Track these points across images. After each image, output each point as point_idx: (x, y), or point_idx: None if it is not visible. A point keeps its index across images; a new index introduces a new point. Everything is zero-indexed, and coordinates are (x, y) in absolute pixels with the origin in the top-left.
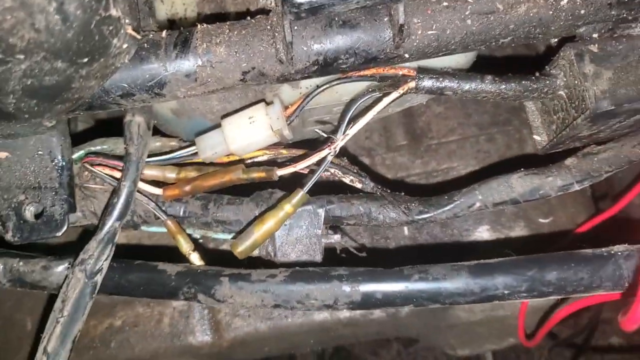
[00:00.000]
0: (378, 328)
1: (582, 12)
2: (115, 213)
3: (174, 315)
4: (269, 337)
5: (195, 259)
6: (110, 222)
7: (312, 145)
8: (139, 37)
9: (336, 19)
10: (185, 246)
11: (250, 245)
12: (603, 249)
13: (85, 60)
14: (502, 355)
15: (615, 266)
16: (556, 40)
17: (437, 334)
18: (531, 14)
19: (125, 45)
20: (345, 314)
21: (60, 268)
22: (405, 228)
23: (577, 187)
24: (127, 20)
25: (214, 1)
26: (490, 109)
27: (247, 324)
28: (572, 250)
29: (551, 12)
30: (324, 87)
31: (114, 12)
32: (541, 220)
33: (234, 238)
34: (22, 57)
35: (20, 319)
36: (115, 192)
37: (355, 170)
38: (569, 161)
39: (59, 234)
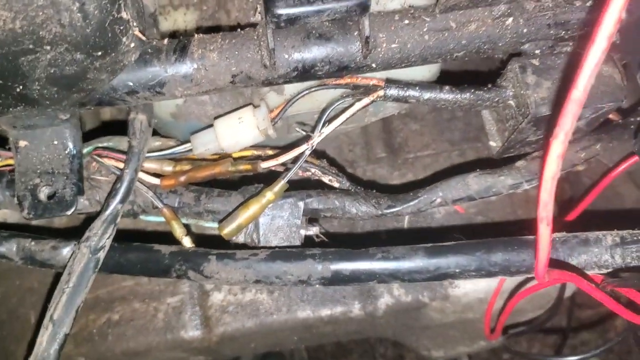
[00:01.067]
0: (357, 327)
1: (525, 30)
2: (118, 196)
3: (168, 310)
4: (255, 333)
5: (187, 242)
6: (113, 204)
7: (294, 145)
8: (144, 38)
9: (313, 31)
10: (178, 231)
11: (236, 227)
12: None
13: (99, 53)
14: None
15: (552, 250)
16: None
17: (412, 334)
18: (480, 32)
19: (132, 45)
20: (326, 311)
21: (67, 249)
22: (384, 232)
23: (526, 186)
24: (135, 24)
25: (211, 18)
26: (462, 126)
27: (235, 319)
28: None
29: (498, 31)
30: (304, 92)
31: (124, 14)
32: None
33: (220, 222)
34: (48, 47)
35: (24, 313)
36: (119, 179)
37: (333, 171)
38: (519, 163)
39: (69, 213)
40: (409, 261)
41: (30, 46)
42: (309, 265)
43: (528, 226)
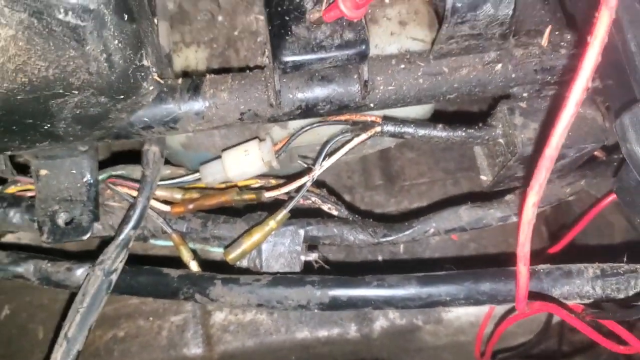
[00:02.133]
0: (353, 348)
1: (513, 75)
2: (131, 223)
3: (172, 328)
4: (255, 352)
5: (194, 266)
6: (126, 230)
7: (296, 176)
8: (162, 82)
9: (316, 74)
10: (186, 255)
11: (240, 253)
12: (530, 267)
13: (122, 97)
14: None
15: (537, 280)
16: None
17: (406, 356)
18: (471, 76)
19: (151, 88)
20: (323, 333)
21: (81, 270)
22: (380, 258)
23: (514, 219)
24: (154, 69)
25: (221, 57)
26: (456, 156)
27: (235, 339)
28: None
29: (488, 76)
30: (307, 128)
31: (145, 62)
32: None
33: (226, 248)
34: (76, 92)
35: (33, 329)
36: (132, 206)
37: (333, 200)
38: (508, 197)
39: (85, 238)
40: (402, 289)
41: (60, 91)
42: (308, 291)
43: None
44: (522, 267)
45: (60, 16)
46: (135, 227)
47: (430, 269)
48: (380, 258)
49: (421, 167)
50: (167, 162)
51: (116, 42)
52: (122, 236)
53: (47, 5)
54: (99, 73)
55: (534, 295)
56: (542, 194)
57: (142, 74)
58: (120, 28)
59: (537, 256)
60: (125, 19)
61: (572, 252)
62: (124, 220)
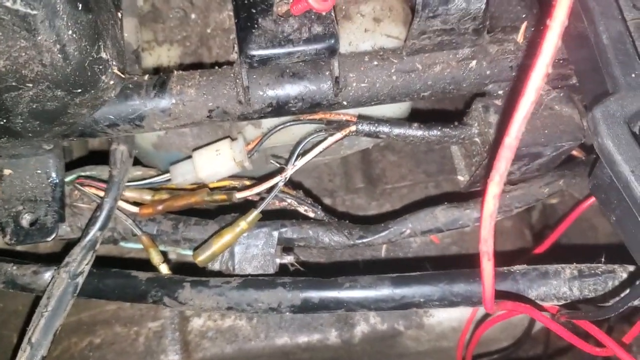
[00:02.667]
0: (333, 354)
1: (488, 72)
2: (98, 224)
3: (149, 335)
4: (233, 359)
5: (164, 269)
6: (92, 232)
7: (268, 177)
8: (123, 76)
9: (287, 70)
10: (156, 258)
11: (210, 254)
12: (504, 268)
13: (79, 90)
14: None
15: (513, 282)
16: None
17: None
18: (445, 73)
19: (111, 82)
20: (303, 339)
21: (48, 273)
22: (360, 261)
23: None
24: (114, 63)
25: (194, 55)
26: (438, 159)
27: (214, 345)
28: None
29: (462, 72)
30: (280, 127)
31: (103, 55)
32: None
33: (195, 250)
34: (30, 85)
35: (8, 335)
36: (98, 207)
37: (309, 202)
38: None
39: (49, 239)
40: (375, 290)
41: (14, 83)
42: (279, 293)
43: (505, 257)
44: (487, 264)
45: (8, 3)
46: (101, 229)
47: (411, 272)
48: (361, 261)
49: (402, 170)
50: (138, 162)
51: (70, 32)
52: (88, 237)
53: None
54: (53, 65)
55: (508, 296)
56: (502, 185)
57: (100, 66)
58: (75, 18)
59: (518, 258)
60: (80, 8)
61: (554, 255)
62: (90, 221)
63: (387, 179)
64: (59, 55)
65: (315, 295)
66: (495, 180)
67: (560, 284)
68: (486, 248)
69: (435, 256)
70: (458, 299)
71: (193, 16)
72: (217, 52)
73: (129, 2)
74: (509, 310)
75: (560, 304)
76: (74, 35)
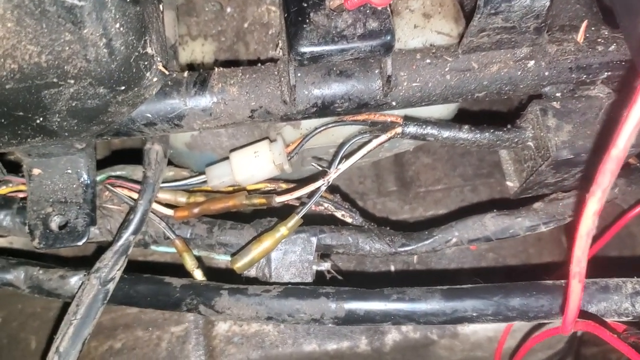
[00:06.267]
0: None
1: (547, 73)
2: (131, 227)
3: (172, 339)
4: None
5: (199, 274)
6: (125, 236)
7: (309, 180)
8: (167, 72)
9: (334, 68)
10: (190, 263)
11: (248, 261)
12: (562, 281)
13: (123, 88)
14: None
15: None
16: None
17: None
18: (502, 73)
19: (155, 79)
20: (332, 346)
21: (75, 278)
22: (392, 267)
23: (543, 229)
24: (159, 58)
25: (229, 51)
26: (475, 162)
27: (239, 351)
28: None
29: (519, 73)
30: (322, 128)
31: (149, 50)
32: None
33: (233, 255)
34: (72, 82)
35: (25, 338)
36: (132, 209)
37: (346, 206)
38: (536, 205)
39: (80, 243)
40: (424, 303)
41: (54, 80)
42: (322, 303)
43: (542, 268)
44: (576, 285)
45: None
46: (135, 233)
47: (446, 280)
48: (392, 268)
49: (437, 173)
50: (170, 163)
51: (117, 25)
52: (120, 242)
53: None
54: (97, 60)
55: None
56: (604, 201)
57: (146, 62)
58: (123, 10)
59: (558, 268)
60: (129, 0)
61: (590, 263)
62: (123, 225)
63: (420, 182)
64: (104, 50)
65: (360, 306)
66: (597, 195)
67: (622, 299)
68: (579, 269)
69: (471, 264)
70: (514, 314)
71: (229, 10)
72: (255, 48)
73: None
74: (580, 329)
75: (621, 320)
76: (121, 29)
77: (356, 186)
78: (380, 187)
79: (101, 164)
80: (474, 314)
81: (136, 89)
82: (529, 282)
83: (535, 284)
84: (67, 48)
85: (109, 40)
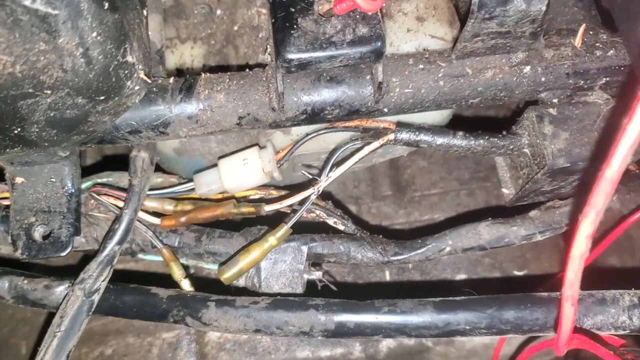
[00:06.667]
0: None
1: (543, 79)
2: (116, 237)
3: (163, 346)
4: None
5: (186, 285)
6: (110, 246)
7: (299, 188)
8: (149, 81)
9: (324, 74)
10: (177, 273)
11: (236, 272)
12: (558, 292)
13: (102, 98)
14: None
15: None
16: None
17: None
18: (497, 79)
19: (137, 87)
20: (326, 352)
21: (61, 288)
22: (387, 273)
23: (539, 237)
24: (140, 66)
25: (219, 54)
26: (471, 165)
27: (232, 358)
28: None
29: (515, 78)
30: (312, 135)
31: (130, 58)
32: (516, 273)
33: (220, 266)
34: (49, 92)
35: (16, 344)
36: (117, 219)
37: (339, 213)
38: (532, 213)
39: (64, 254)
40: (416, 316)
41: (30, 90)
42: (311, 316)
43: (540, 273)
44: (569, 309)
45: (27, 2)
46: (120, 242)
47: (441, 285)
48: (387, 274)
49: (433, 177)
50: (159, 168)
51: (95, 34)
52: (105, 252)
53: None
54: (74, 70)
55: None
56: (597, 223)
57: (126, 71)
58: (100, 18)
59: (556, 274)
60: (106, 7)
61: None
62: (108, 235)
63: (416, 186)
64: (81, 59)
65: (350, 319)
66: (590, 217)
67: (619, 312)
68: (571, 292)
69: (466, 270)
70: (507, 327)
71: (219, 12)
72: (245, 52)
73: None
74: (574, 347)
75: (618, 333)
76: (99, 38)
77: (350, 190)
78: (375, 191)
79: (92, 169)
80: (467, 327)
81: (117, 98)
82: (524, 294)
83: (530, 296)
84: (42, 58)
85: (86, 49)
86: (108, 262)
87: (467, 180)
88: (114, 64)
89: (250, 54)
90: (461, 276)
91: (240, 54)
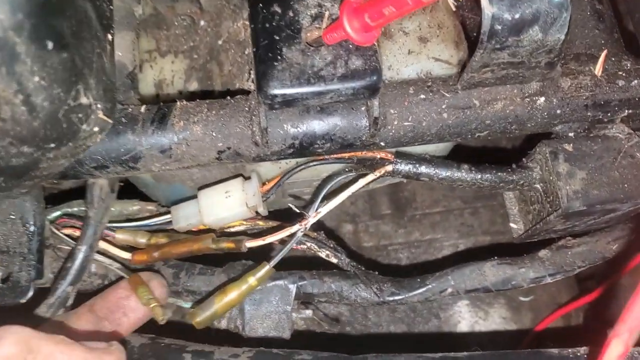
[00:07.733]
0: None
1: (559, 111)
2: (69, 277)
3: None
4: None
5: (159, 312)
6: (62, 287)
7: (289, 217)
8: (110, 121)
9: (314, 105)
10: (145, 299)
11: (210, 315)
12: (569, 350)
13: (53, 145)
14: None
15: None
16: None
17: None
18: (507, 111)
19: (96, 129)
20: None
21: None
22: None
23: (549, 280)
24: (99, 105)
25: (202, 70)
26: None
27: None
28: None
29: (527, 110)
30: (302, 167)
31: (84, 100)
32: (522, 299)
33: (193, 307)
34: None
35: None
36: (70, 256)
37: (331, 245)
38: (542, 253)
39: (23, 300)
40: None
41: None
42: None
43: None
44: None
45: None
46: (73, 283)
47: (442, 317)
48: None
49: (435, 194)
50: (136, 194)
51: (37, 79)
52: (56, 294)
53: None
54: (14, 119)
55: None
56: (631, 344)
57: (80, 115)
58: (42, 60)
59: (564, 306)
60: (50, 47)
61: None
62: (60, 274)
63: (417, 204)
64: (22, 107)
65: None
66: (622, 337)
67: None
68: None
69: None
70: None
71: (202, 23)
72: (229, 70)
73: (125, 12)
74: None
75: None
76: (43, 82)
77: (347, 207)
78: (373, 209)
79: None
80: None
81: (70, 143)
82: (532, 351)
83: (540, 353)
84: None
85: (26, 96)
86: (60, 304)
87: (471, 198)
88: (63, 109)
89: (235, 72)
90: (463, 301)
91: (224, 71)
